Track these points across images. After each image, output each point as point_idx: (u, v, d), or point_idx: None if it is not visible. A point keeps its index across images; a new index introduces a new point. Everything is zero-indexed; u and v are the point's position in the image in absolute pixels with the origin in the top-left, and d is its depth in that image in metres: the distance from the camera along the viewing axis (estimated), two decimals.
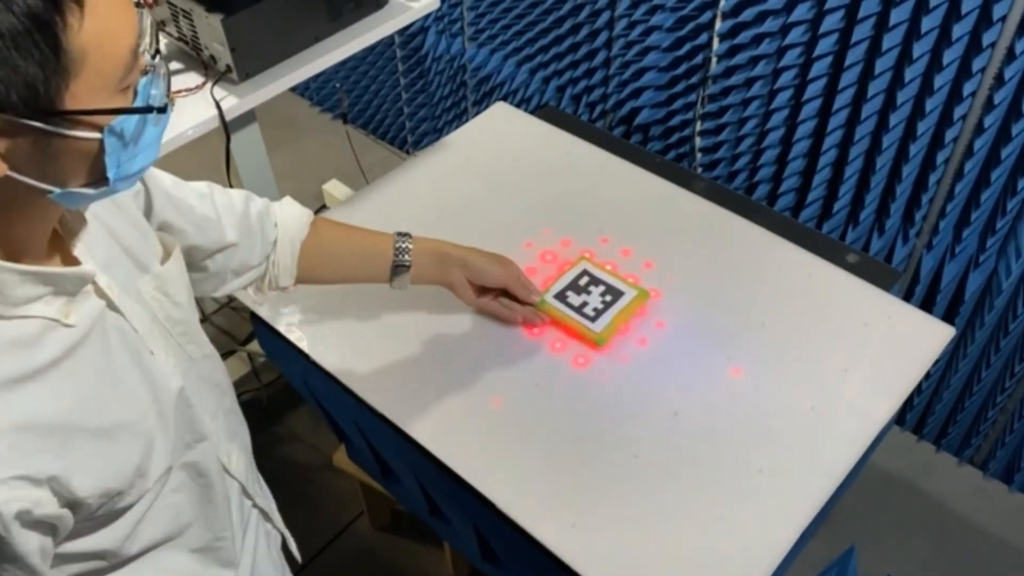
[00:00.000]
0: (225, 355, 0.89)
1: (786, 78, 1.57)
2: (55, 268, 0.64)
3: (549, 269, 1.27)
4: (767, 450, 1.05)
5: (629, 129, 1.91)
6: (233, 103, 1.33)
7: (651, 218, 1.35)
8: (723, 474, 1.03)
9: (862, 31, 1.44)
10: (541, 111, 1.56)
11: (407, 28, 2.26)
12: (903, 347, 1.15)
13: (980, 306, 1.64)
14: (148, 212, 0.85)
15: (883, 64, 1.45)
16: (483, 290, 1.15)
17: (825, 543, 1.35)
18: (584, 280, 1.22)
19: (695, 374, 1.14)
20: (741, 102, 1.66)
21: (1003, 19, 1.31)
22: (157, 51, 0.63)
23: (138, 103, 0.60)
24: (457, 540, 1.40)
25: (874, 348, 1.15)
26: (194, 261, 0.92)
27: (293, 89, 2.54)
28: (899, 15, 1.38)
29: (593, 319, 1.17)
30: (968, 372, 1.75)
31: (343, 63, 2.09)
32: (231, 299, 2.10)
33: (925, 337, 1.17)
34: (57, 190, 0.59)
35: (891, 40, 1.42)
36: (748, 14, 1.55)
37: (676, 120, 1.81)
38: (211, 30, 1.29)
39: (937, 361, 1.39)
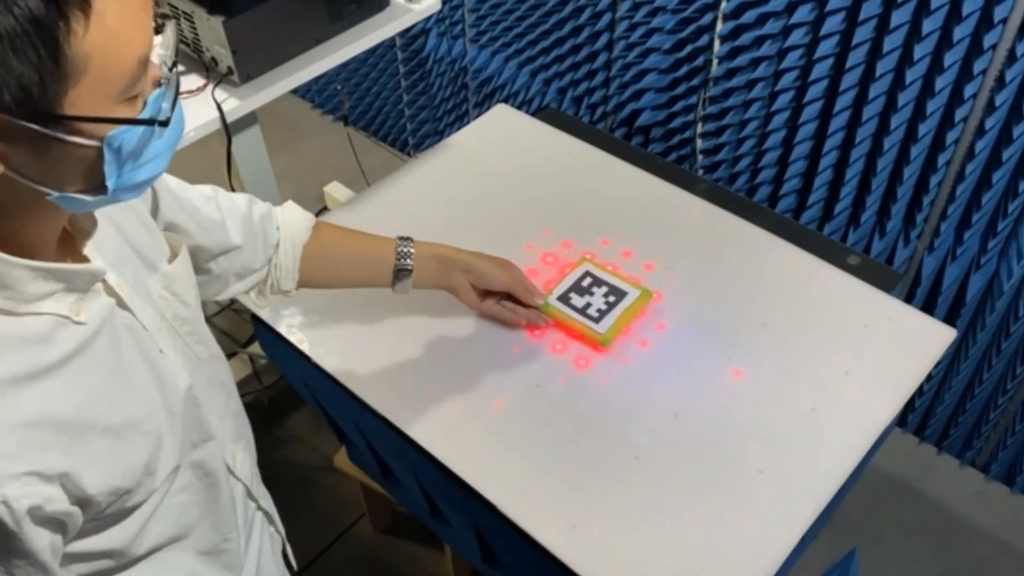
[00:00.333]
0: (227, 357, 0.89)
1: (787, 80, 1.57)
2: (66, 265, 0.64)
3: (550, 271, 1.27)
4: (768, 452, 1.05)
5: (630, 131, 1.91)
6: (234, 105, 1.34)
7: (652, 220, 1.35)
8: (724, 476, 1.03)
9: (863, 33, 1.44)
10: (542, 113, 1.56)
11: (408, 30, 2.26)
12: (904, 349, 1.15)
13: (981, 308, 1.64)
14: (155, 211, 0.85)
15: (884, 66, 1.45)
16: (486, 294, 1.16)
17: (826, 545, 1.35)
18: (587, 281, 1.22)
19: (696, 376, 1.14)
20: (742, 104, 1.66)
21: (1004, 21, 1.31)
22: (175, 64, 0.62)
23: (146, 114, 0.59)
24: (458, 542, 1.40)
25: (875, 350, 1.15)
26: (198, 263, 0.92)
27: (294, 91, 2.54)
28: (900, 17, 1.38)
29: (597, 320, 1.17)
30: (969, 374, 1.75)
31: (344, 65, 2.09)
32: (233, 301, 2.09)
33: (926, 339, 1.17)
34: (55, 193, 0.58)
35: (892, 42, 1.42)
36: (749, 16, 1.55)
37: (677, 122, 1.81)
38: (212, 32, 1.29)
39: (938, 363, 1.39)
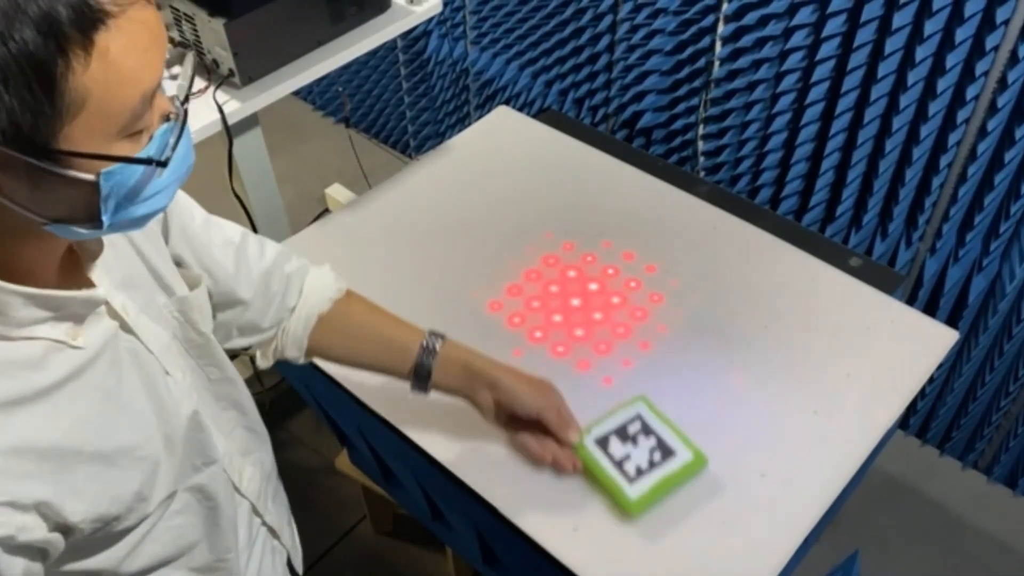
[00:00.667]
0: (228, 358, 0.88)
1: (789, 82, 1.57)
2: (60, 292, 0.62)
3: (552, 272, 1.27)
4: (770, 454, 1.05)
5: (631, 133, 1.91)
6: (235, 107, 1.33)
7: (653, 222, 1.35)
8: (726, 478, 1.03)
9: (865, 35, 1.43)
10: (543, 115, 1.56)
11: (410, 32, 2.26)
12: (906, 351, 1.15)
13: (984, 310, 1.64)
14: (165, 240, 0.82)
15: (886, 68, 1.44)
16: (513, 417, 1.00)
17: (828, 548, 1.35)
18: (635, 427, 1.04)
19: (697, 377, 1.13)
20: (744, 106, 1.66)
21: (1006, 23, 1.31)
22: (187, 98, 0.60)
23: (151, 149, 0.57)
24: (459, 544, 1.39)
25: (877, 352, 1.15)
26: None
27: (296, 93, 2.54)
28: (902, 19, 1.38)
29: (631, 480, 0.99)
30: (972, 376, 1.75)
31: (346, 67, 2.09)
32: None
33: (928, 341, 1.16)
34: (50, 223, 0.57)
35: (894, 44, 1.41)
36: (751, 18, 1.55)
37: (679, 124, 1.80)
38: (213, 34, 1.29)
39: (940, 365, 1.39)
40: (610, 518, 1.00)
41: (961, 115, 1.43)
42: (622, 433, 1.03)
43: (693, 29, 1.66)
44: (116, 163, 0.55)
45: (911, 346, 1.16)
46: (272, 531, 0.94)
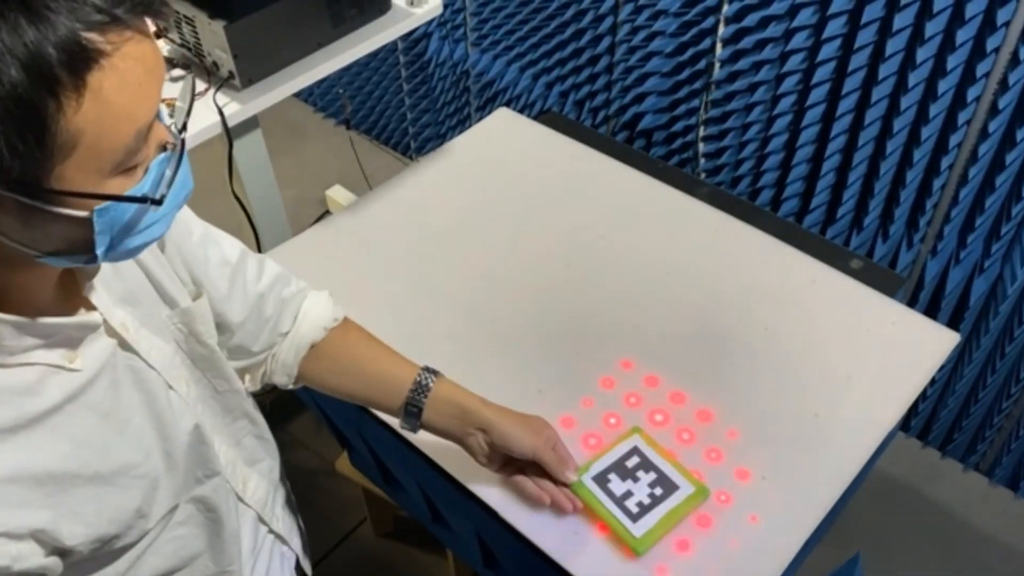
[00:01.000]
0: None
1: (789, 83, 1.57)
2: (54, 320, 0.61)
3: None
4: (771, 456, 1.04)
5: (632, 134, 1.91)
6: (236, 109, 1.33)
7: (654, 223, 1.34)
8: (727, 481, 1.02)
9: (866, 36, 1.43)
10: (544, 116, 1.56)
11: (410, 34, 2.26)
12: (907, 353, 1.15)
13: (985, 312, 1.64)
14: (161, 251, 0.81)
15: (886, 69, 1.44)
16: (509, 460, 0.98)
17: (830, 550, 1.35)
18: (633, 461, 1.03)
19: (697, 379, 1.13)
20: (744, 107, 1.66)
21: (1007, 24, 1.31)
22: (184, 127, 0.59)
23: (147, 180, 0.56)
24: (460, 547, 1.39)
25: (878, 354, 1.15)
26: None
27: (296, 95, 2.55)
28: (902, 20, 1.38)
29: (635, 517, 0.97)
30: (973, 378, 1.74)
31: (346, 69, 2.10)
32: None
33: (930, 343, 1.16)
34: (44, 256, 0.56)
35: (894, 45, 1.41)
36: (751, 19, 1.55)
37: (679, 125, 1.80)
38: (213, 36, 1.29)
39: (942, 367, 1.38)
40: None
41: (962, 117, 1.43)
42: (621, 469, 1.02)
43: (694, 31, 1.66)
44: (110, 201, 0.54)
45: (912, 348, 1.15)
46: (280, 538, 0.94)
